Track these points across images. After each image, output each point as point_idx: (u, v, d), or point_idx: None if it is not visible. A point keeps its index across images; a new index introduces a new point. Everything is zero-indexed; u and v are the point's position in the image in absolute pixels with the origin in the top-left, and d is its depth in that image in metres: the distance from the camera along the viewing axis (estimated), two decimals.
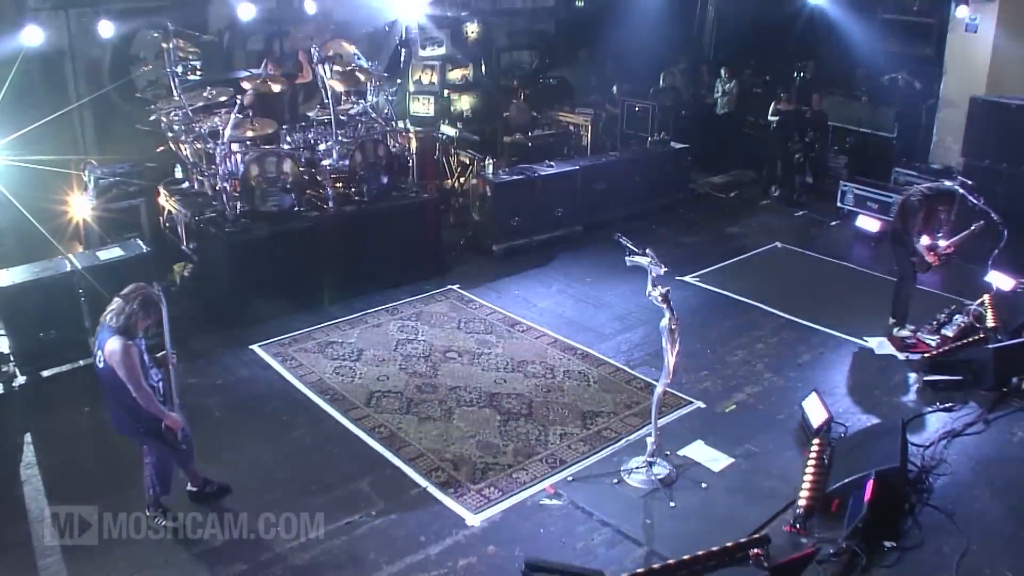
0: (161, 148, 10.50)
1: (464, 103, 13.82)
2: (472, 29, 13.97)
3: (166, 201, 10.51)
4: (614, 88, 15.25)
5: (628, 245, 6.51)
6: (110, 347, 5.64)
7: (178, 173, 10.63)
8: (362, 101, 10.57)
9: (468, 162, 12.05)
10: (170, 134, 10.10)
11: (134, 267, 8.43)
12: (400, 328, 9.20)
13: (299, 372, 8.31)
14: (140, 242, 8.84)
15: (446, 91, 13.63)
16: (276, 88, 10.39)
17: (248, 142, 9.58)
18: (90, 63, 12.89)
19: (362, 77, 10.48)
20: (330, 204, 9.68)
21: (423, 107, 13.58)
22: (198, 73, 9.95)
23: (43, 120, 11.10)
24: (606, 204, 12.40)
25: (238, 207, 9.30)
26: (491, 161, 11.24)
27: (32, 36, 10.21)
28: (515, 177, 11.21)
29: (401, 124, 13.34)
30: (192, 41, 10.25)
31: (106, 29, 11.43)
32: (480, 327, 9.25)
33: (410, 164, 10.47)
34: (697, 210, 13.70)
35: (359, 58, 11.00)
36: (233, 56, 14.30)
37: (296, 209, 9.49)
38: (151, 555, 5.98)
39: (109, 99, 12.29)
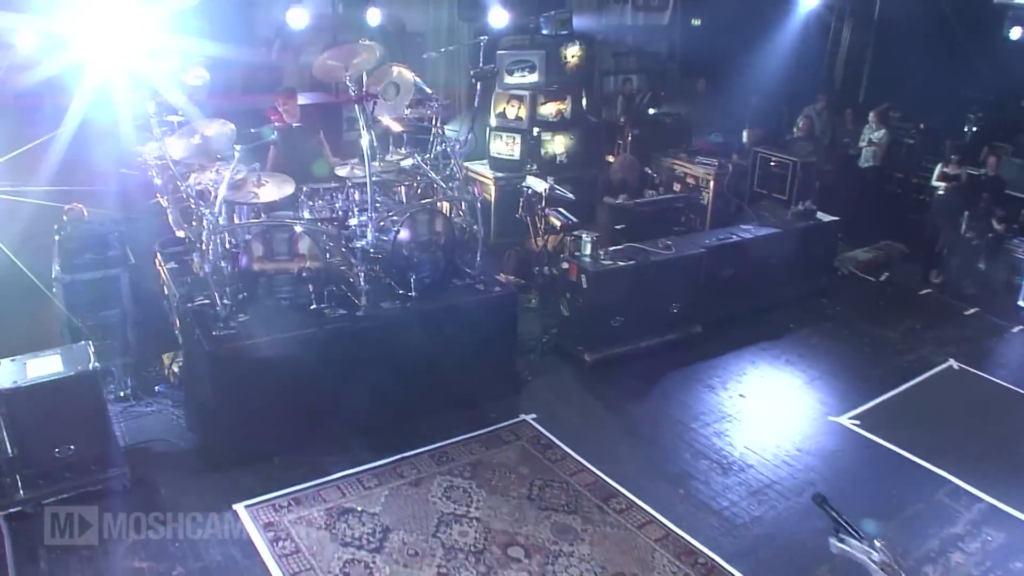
0: (155, 200, 7.98)
1: (558, 145, 11.08)
2: (572, 52, 11.18)
3: (161, 268, 8.02)
4: (744, 133, 12.27)
5: (837, 516, 3.64)
6: None
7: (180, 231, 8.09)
8: (415, 152, 7.86)
9: (559, 225, 9.32)
10: (157, 183, 7.59)
11: (73, 390, 5.92)
12: (447, 491, 6.50)
13: (293, 566, 5.69)
14: (90, 348, 6.28)
15: (536, 129, 10.88)
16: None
17: (252, 208, 6.99)
18: None
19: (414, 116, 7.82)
20: (363, 300, 6.98)
21: (506, 147, 10.92)
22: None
23: (35, 143, 8.93)
24: (733, 294, 9.60)
25: (234, 298, 6.69)
26: (589, 237, 8.44)
27: None
28: (621, 263, 8.39)
29: (477, 167, 10.69)
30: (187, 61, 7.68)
31: None
32: (560, 498, 6.51)
33: (478, 235, 7.65)
34: (842, 300, 10.78)
35: (423, 89, 8.28)
36: (284, 71, 11.83)
37: (315, 307, 6.82)
38: None
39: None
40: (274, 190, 6.75)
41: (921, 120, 13.94)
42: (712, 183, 11.57)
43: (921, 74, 13.47)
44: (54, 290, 7.52)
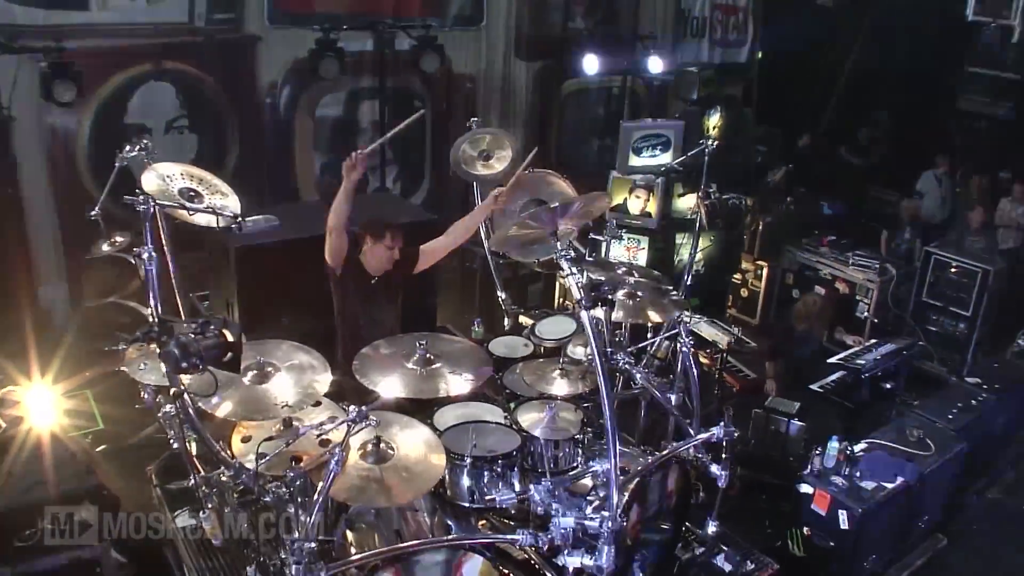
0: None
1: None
2: (714, 123, 8.16)
3: (164, 512, 4.77)
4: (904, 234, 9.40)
5: None
6: None
7: None
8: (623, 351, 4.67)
9: (736, 387, 6.39)
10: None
11: None
12: None
13: None
14: None
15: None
16: None
17: None
18: (53, 146, 7.36)
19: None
20: None
21: (626, 253, 7.85)
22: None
23: None
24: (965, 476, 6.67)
25: None
26: (839, 444, 5.46)
27: None
28: (887, 486, 5.40)
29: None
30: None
31: (67, 92, 6.01)
32: None
33: (721, 483, 4.50)
34: None
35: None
36: (293, 152, 8.67)
37: None
38: None
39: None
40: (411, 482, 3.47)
41: None
42: (875, 295, 8.68)
43: None
44: None
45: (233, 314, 5.49)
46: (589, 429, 4.34)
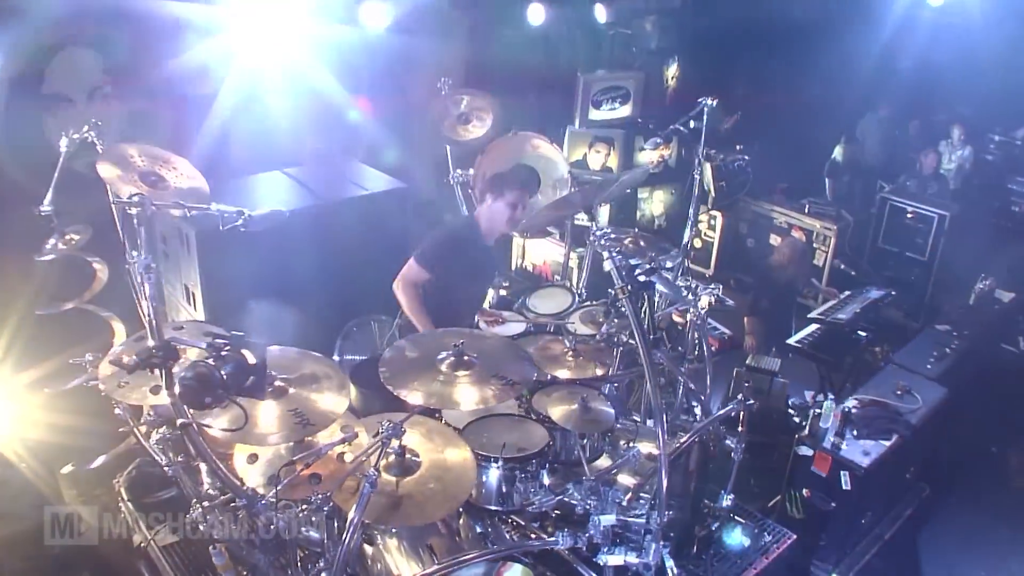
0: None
1: (656, 204, 7.83)
2: (672, 73, 7.89)
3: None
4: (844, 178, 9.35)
5: None
6: None
7: None
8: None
9: (715, 346, 6.26)
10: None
11: None
12: None
13: None
14: None
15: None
16: None
17: None
18: None
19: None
20: None
21: None
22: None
23: None
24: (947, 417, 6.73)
25: None
26: (833, 402, 5.37)
27: None
28: (883, 446, 5.34)
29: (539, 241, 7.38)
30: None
31: None
32: None
33: (736, 457, 4.34)
34: None
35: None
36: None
37: None
38: None
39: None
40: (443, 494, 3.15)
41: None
42: (833, 241, 8.64)
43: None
44: None
45: (195, 303, 5.03)
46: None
